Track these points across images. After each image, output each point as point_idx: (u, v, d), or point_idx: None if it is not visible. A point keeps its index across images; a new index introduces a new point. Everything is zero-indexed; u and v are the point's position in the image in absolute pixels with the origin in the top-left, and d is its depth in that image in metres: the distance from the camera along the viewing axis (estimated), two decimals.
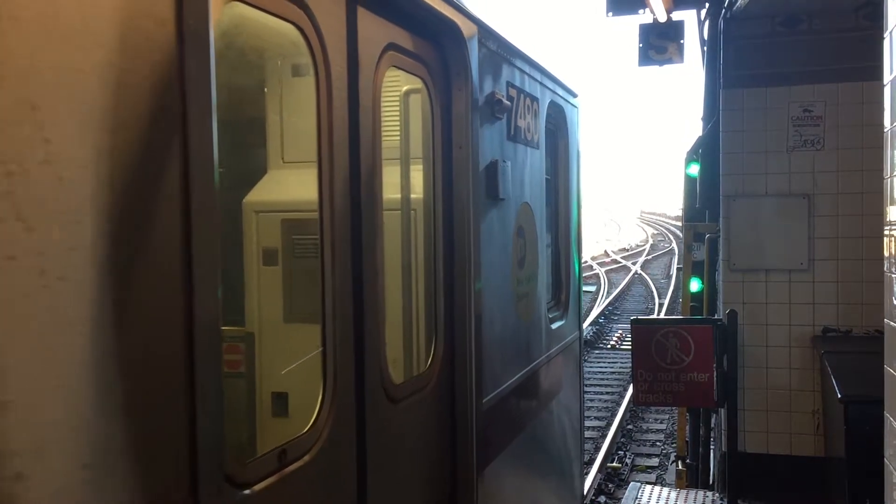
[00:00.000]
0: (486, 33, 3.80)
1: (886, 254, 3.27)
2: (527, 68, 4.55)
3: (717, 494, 7.10)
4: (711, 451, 7.93)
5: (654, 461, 10.78)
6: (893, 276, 3.14)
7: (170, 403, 1.79)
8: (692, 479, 7.95)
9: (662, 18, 7.69)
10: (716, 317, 7.14)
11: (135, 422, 1.69)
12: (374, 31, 2.89)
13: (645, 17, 7.81)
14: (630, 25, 8.03)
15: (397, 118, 3.45)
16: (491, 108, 3.85)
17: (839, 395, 5.55)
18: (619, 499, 8.33)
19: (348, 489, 2.66)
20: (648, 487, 7.45)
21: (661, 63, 7.87)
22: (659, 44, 7.77)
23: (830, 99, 6.76)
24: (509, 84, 4.20)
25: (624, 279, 29.00)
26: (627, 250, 43.72)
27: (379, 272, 2.92)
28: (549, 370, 5.03)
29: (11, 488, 1.42)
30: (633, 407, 12.64)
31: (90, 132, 1.61)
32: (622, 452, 11.02)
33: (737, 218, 6.96)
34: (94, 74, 1.62)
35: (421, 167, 3.49)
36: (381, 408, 2.89)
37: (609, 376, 15.12)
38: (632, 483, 7.96)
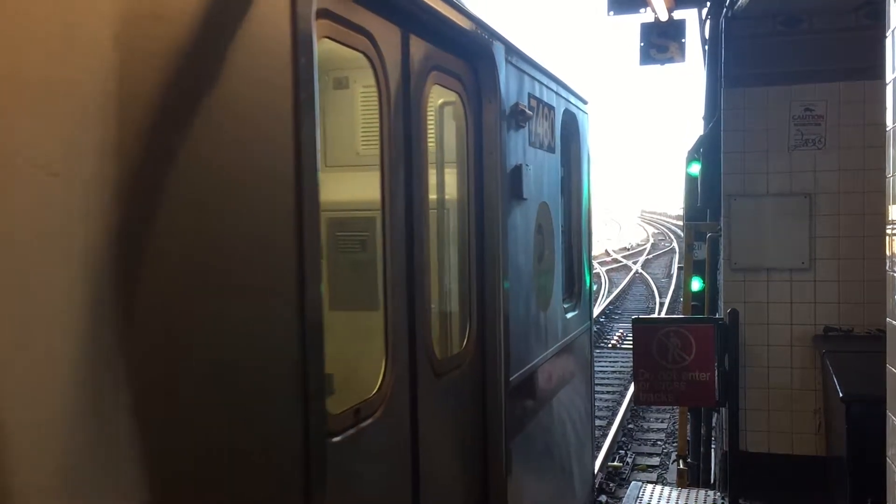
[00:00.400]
0: (512, 51, 4.27)
1: (888, 253, 3.27)
2: (544, 80, 5.02)
3: (718, 494, 7.10)
4: (712, 450, 7.93)
5: (656, 460, 10.77)
6: (895, 275, 3.14)
7: (294, 370, 2.28)
8: (693, 478, 7.95)
9: (664, 17, 7.69)
10: (717, 316, 7.14)
11: (277, 377, 2.23)
12: (423, 55, 3.41)
13: (646, 15, 7.82)
14: (631, 24, 8.06)
15: (435, 127, 3.94)
16: (515, 118, 4.30)
17: (841, 395, 5.54)
18: (621, 498, 8.33)
19: (404, 444, 3.18)
20: (650, 487, 7.45)
21: (662, 62, 7.87)
22: (660, 43, 7.77)
23: (832, 98, 6.76)
24: (530, 95, 4.66)
25: (625, 278, 29.00)
26: (628, 249, 43.72)
27: (426, 263, 3.38)
28: (565, 355, 5.54)
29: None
30: (634, 406, 12.63)
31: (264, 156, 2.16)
32: (623, 452, 11.02)
33: (738, 217, 6.96)
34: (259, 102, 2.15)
35: (455, 170, 3.94)
36: (427, 380, 3.38)
37: (610, 376, 15.12)
38: (633, 482, 7.97)
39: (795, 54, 6.84)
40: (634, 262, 34.69)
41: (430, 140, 3.59)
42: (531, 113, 4.55)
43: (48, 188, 1.51)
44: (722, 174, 7.08)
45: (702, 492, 7.24)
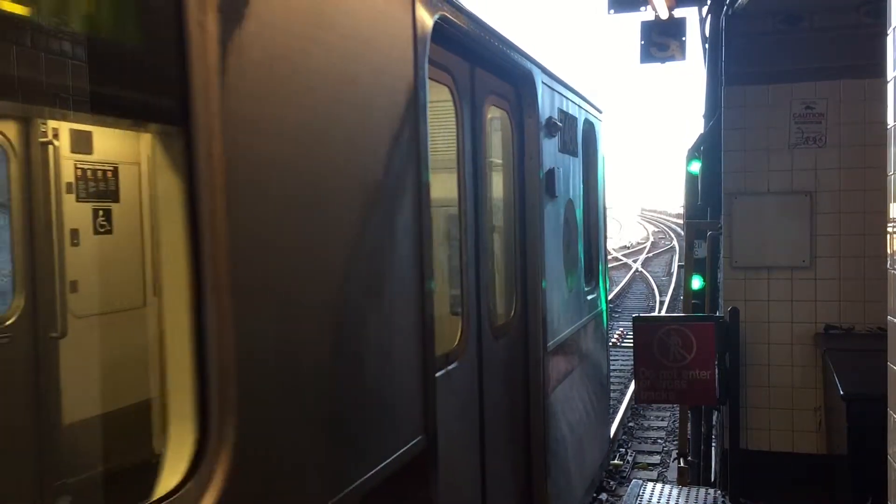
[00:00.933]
0: (546, 74, 5.16)
1: (889, 251, 3.27)
2: (570, 95, 5.93)
3: (718, 492, 7.10)
4: (713, 448, 7.93)
5: (656, 458, 10.78)
6: (895, 273, 3.13)
7: (418, 325, 3.16)
8: (694, 476, 7.95)
9: (664, 16, 7.69)
10: (717, 314, 7.14)
11: (409, 329, 3.09)
12: (484, 83, 4.33)
13: (647, 14, 7.82)
14: (632, 22, 8.07)
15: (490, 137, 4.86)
16: (549, 129, 5.16)
17: (841, 393, 5.54)
18: (621, 496, 8.33)
19: (474, 385, 4.12)
20: (650, 485, 7.45)
21: (662, 60, 7.87)
22: (661, 41, 7.77)
23: (832, 96, 6.75)
24: (560, 110, 5.56)
25: (625, 277, 28.99)
26: (628, 248, 43.71)
27: (489, 249, 4.33)
28: (587, 330, 6.46)
29: None
30: (635, 405, 12.64)
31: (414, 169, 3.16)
32: (624, 450, 11.02)
33: (738, 215, 6.96)
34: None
35: (503, 172, 4.81)
36: (489, 339, 4.30)
37: (610, 374, 15.11)
38: (634, 480, 7.97)
39: (796, 52, 6.83)
40: (634, 261, 34.68)
41: (487, 148, 4.43)
42: (560, 125, 5.44)
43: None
44: (722, 172, 7.07)
45: (702, 490, 7.24)
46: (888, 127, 3.20)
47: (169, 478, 1.81)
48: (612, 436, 8.51)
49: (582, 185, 6.35)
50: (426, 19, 3.23)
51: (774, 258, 6.88)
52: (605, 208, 7.28)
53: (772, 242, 6.88)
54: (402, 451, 2.90)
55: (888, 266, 3.25)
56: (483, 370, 4.18)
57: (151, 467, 1.92)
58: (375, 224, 2.85)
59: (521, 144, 4.88)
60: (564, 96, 5.74)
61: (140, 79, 1.93)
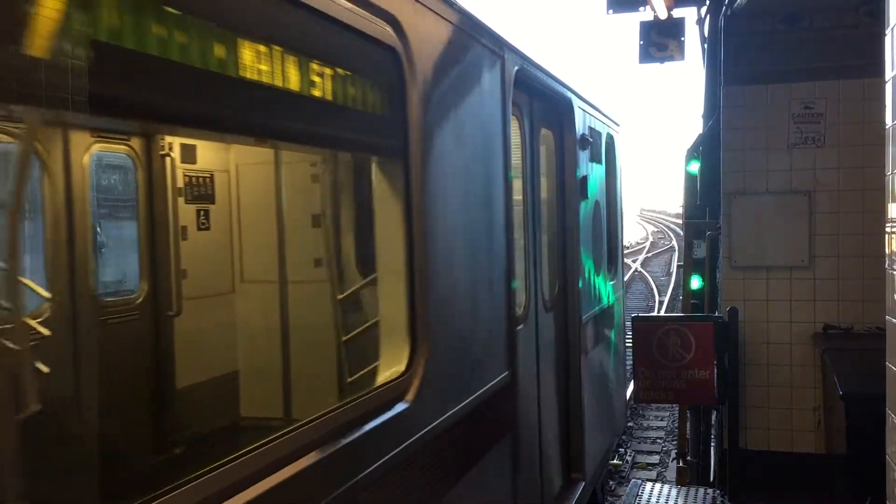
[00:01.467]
0: (580, 98, 6.36)
1: (887, 251, 3.27)
2: (597, 114, 7.09)
3: (717, 492, 7.10)
4: (712, 448, 7.93)
5: (655, 458, 10.78)
6: (894, 272, 3.14)
7: (507, 291, 4.33)
8: (693, 476, 7.96)
9: (663, 16, 7.69)
10: (717, 314, 7.14)
11: (501, 293, 4.27)
12: (539, 111, 5.56)
13: (646, 14, 7.82)
14: (631, 22, 8.09)
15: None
16: (582, 143, 6.27)
17: (840, 392, 5.55)
18: (620, 496, 8.33)
19: (533, 345, 5.25)
20: (649, 485, 7.46)
21: (661, 60, 7.88)
22: (660, 41, 7.78)
23: (831, 96, 6.76)
24: (590, 127, 6.67)
25: (624, 276, 28.90)
26: (627, 248, 43.71)
27: (541, 239, 5.51)
28: (609, 312, 7.54)
29: None
30: (634, 404, 12.64)
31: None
32: (623, 450, 11.02)
33: (738, 215, 6.96)
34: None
35: (547, 179, 5.94)
36: (543, 310, 5.52)
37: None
38: (633, 480, 7.97)
39: (795, 52, 6.84)
40: (634, 261, 34.68)
41: (540, 161, 5.64)
42: (591, 140, 6.55)
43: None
44: (721, 172, 7.08)
45: (701, 490, 7.24)
46: (886, 126, 3.21)
47: (396, 371, 3.09)
48: (626, 399, 10.20)
49: (605, 189, 7.48)
50: (511, 74, 4.48)
51: (773, 258, 6.89)
52: (622, 208, 8.51)
53: (771, 242, 6.89)
54: (499, 377, 4.16)
55: (887, 266, 3.26)
56: (539, 333, 5.38)
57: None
58: (490, 227, 4.08)
59: (562, 157, 6.12)
60: (593, 115, 6.90)
61: (383, 132, 3.24)
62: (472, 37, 3.96)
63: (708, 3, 7.75)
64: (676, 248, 37.48)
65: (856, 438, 5.38)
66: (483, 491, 4.08)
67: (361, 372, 4.50)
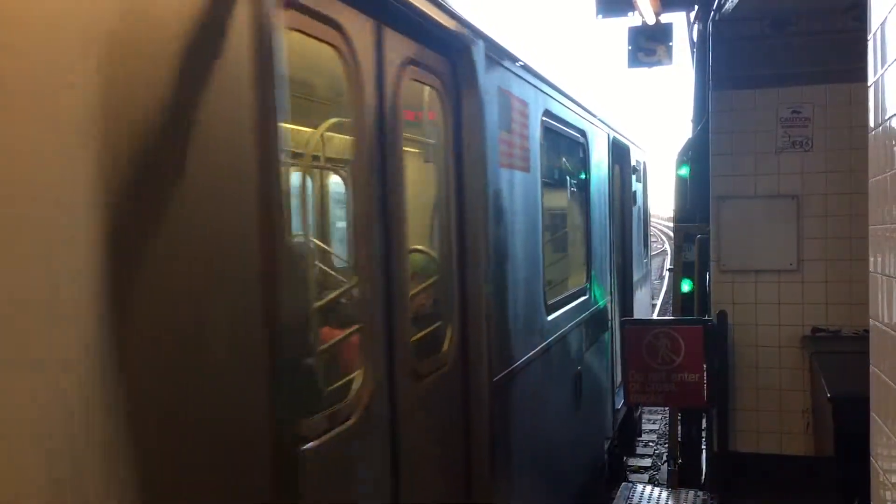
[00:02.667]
0: (634, 144, 9.92)
1: (871, 254, 3.30)
2: (638, 151, 10.65)
3: (707, 494, 7.12)
4: (703, 450, 7.95)
5: (647, 461, 10.79)
6: (878, 276, 3.17)
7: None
8: (684, 478, 7.97)
9: (651, 21, 7.73)
10: (706, 317, 7.17)
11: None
12: (615, 155, 8.72)
13: (634, 19, 7.85)
14: (620, 27, 8.14)
15: (616, 184, 9.25)
16: (631, 171, 9.80)
17: (828, 395, 5.58)
18: (611, 499, 8.33)
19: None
20: (640, 487, 7.47)
21: (650, 65, 7.91)
22: (648, 46, 7.81)
23: (818, 100, 6.80)
24: (637, 160, 10.40)
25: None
26: None
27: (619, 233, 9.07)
28: (644, 283, 11.58)
29: None
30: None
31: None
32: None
33: (726, 219, 6.99)
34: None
35: (616, 196, 8.90)
36: (622, 288, 9.10)
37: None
38: (623, 483, 7.98)
39: (783, 56, 6.87)
40: None
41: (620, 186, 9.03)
42: (638, 169, 10.34)
43: None
44: (710, 176, 7.11)
45: (691, 492, 7.26)
46: (870, 131, 3.23)
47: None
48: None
49: (645, 197, 11.34)
50: (611, 142, 7.35)
51: (762, 261, 6.92)
52: (649, 213, 12.67)
53: (759, 246, 6.92)
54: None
55: (871, 269, 3.28)
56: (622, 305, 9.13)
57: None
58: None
59: (624, 182, 9.71)
60: (638, 149, 10.51)
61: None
62: (624, 138, 6.92)
63: (696, 7, 7.78)
64: (668, 251, 37.52)
65: (843, 441, 5.40)
66: None
67: None
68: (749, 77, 6.93)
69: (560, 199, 6.55)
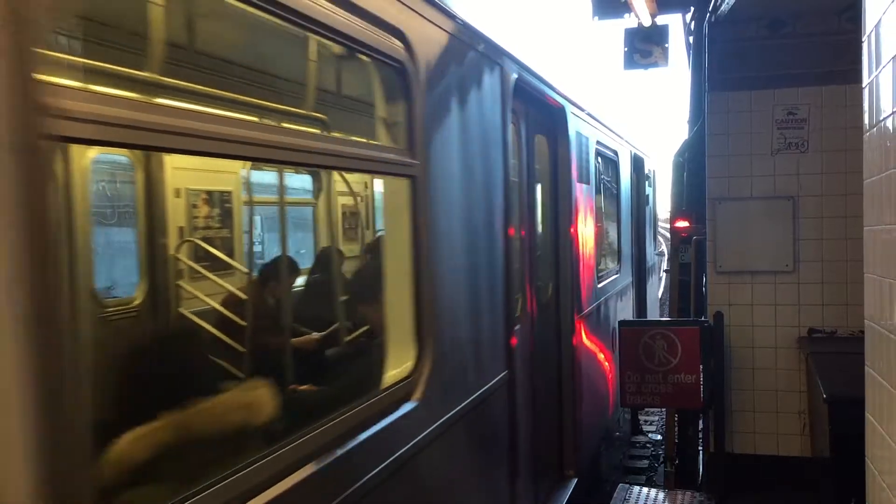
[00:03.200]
0: (647, 157, 12.81)
1: (866, 255, 3.31)
2: (650, 162, 13.23)
3: (704, 495, 7.12)
4: (700, 451, 7.96)
5: (644, 463, 10.80)
6: (873, 277, 3.17)
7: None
8: (681, 480, 7.98)
9: (647, 23, 7.74)
10: (703, 318, 7.17)
11: None
12: (639, 169, 12.07)
13: (630, 21, 7.86)
14: (617, 29, 8.16)
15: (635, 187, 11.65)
16: (645, 178, 12.53)
17: (824, 396, 5.58)
18: (609, 500, 8.33)
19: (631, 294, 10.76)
20: (636, 488, 7.48)
21: (646, 67, 7.92)
22: (644, 48, 7.82)
23: (814, 102, 6.81)
24: (649, 169, 13.23)
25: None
26: None
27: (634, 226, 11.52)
28: (654, 269, 14.70)
29: None
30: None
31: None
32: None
33: (723, 220, 7.00)
34: None
35: (629, 201, 10.72)
36: (642, 274, 11.97)
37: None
38: (620, 484, 7.98)
39: (779, 58, 6.88)
40: None
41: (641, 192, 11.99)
42: (650, 176, 13.05)
43: None
44: (706, 177, 7.12)
45: (688, 493, 7.27)
46: (864, 133, 3.24)
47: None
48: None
49: (652, 201, 13.71)
50: (630, 160, 9.47)
51: (758, 262, 6.93)
52: (655, 211, 15.44)
53: (755, 247, 6.93)
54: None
55: (866, 270, 3.29)
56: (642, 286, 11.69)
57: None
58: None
59: (640, 188, 11.95)
60: (649, 160, 13.01)
61: None
62: (640, 152, 9.24)
63: (692, 9, 7.79)
64: (665, 252, 37.50)
65: (839, 441, 5.41)
66: None
67: None
68: (745, 79, 6.94)
69: (604, 202, 8.80)
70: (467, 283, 3.92)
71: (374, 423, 2.85)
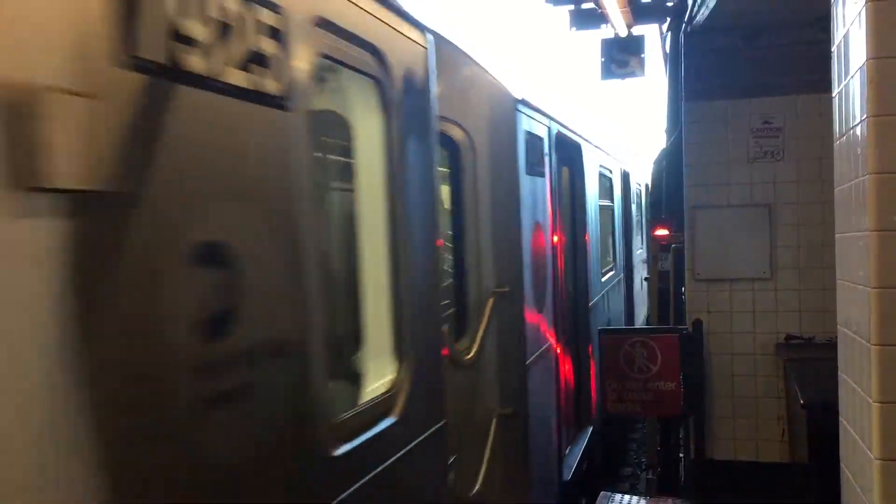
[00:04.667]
0: (633, 173, 14.71)
1: (838, 261, 3.35)
2: (633, 176, 14.55)
3: (686, 501, 7.16)
4: (681, 458, 8.00)
5: (627, 470, 10.83)
6: (844, 283, 3.21)
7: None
8: (662, 486, 8.02)
9: (623, 33, 7.81)
10: (682, 326, 7.22)
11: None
12: (626, 182, 13.80)
13: (608, 31, 7.93)
14: (594, 39, 8.25)
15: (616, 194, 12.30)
16: (631, 186, 14.19)
17: (801, 402, 5.63)
18: None
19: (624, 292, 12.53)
20: (618, 495, 7.50)
21: (623, 77, 8.00)
22: (621, 58, 7.90)
23: (789, 110, 6.88)
24: (637, 183, 15.55)
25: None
26: None
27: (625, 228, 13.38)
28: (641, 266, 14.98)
29: None
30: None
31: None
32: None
33: (700, 228, 7.05)
34: None
35: (620, 210, 12.50)
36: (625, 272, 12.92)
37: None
38: (602, 492, 8.00)
39: (754, 68, 6.96)
40: None
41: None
42: (639, 187, 15.90)
43: None
44: (684, 186, 7.18)
45: (670, 500, 7.30)
46: (835, 141, 3.29)
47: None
48: None
49: (637, 210, 15.16)
50: (626, 178, 12.44)
51: (736, 270, 6.98)
52: (643, 218, 16.17)
53: (733, 254, 6.98)
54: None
55: (838, 276, 3.33)
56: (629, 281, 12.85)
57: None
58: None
59: (629, 195, 13.62)
60: (634, 175, 14.74)
61: None
62: (628, 169, 12.60)
63: (668, 19, 7.87)
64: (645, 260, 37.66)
65: (817, 447, 5.45)
66: None
67: None
68: (721, 88, 7.01)
69: (604, 212, 10.28)
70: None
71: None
